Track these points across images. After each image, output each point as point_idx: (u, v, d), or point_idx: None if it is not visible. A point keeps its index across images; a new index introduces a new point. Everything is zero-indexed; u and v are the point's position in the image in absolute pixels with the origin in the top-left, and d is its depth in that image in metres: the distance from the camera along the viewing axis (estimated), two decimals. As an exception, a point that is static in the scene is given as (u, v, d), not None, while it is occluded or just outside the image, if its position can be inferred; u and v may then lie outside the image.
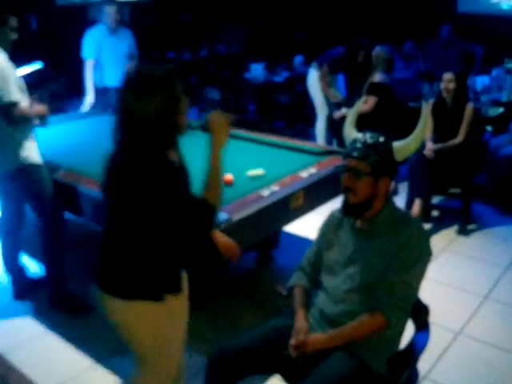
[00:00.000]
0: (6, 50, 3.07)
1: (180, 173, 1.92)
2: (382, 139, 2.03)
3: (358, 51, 5.59)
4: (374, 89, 5.06)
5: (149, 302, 1.94)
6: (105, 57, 5.09)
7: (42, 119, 3.22)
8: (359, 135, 2.08)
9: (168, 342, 2.06)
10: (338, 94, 5.91)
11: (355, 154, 2.00)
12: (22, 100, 3.03)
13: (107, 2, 5.07)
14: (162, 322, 2.00)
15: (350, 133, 2.26)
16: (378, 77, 5.10)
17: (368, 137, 2.03)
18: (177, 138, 1.94)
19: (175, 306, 2.04)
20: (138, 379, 2.11)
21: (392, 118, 5.01)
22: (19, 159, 3.08)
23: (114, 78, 5.13)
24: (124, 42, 5.22)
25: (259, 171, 3.14)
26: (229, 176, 2.90)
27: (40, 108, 3.16)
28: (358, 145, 2.01)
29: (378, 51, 5.19)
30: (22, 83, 3.14)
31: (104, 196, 1.99)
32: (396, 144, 2.08)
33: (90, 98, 5.12)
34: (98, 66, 5.13)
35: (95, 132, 4.21)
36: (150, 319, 1.97)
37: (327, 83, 5.83)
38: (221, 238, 2.31)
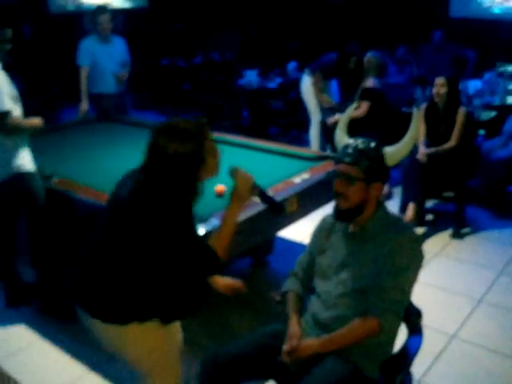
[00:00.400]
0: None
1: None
2: (373, 144, 2.04)
3: (350, 57, 5.63)
4: (366, 94, 5.09)
5: (144, 325, 1.95)
6: (98, 64, 5.12)
7: (35, 131, 3.22)
8: (350, 140, 2.09)
9: (166, 357, 2.10)
10: (331, 100, 5.93)
11: (347, 159, 2.00)
12: (14, 110, 3.04)
13: (100, 11, 5.09)
14: (157, 342, 2.03)
15: (342, 138, 2.27)
16: (370, 82, 5.13)
17: (359, 142, 2.04)
18: (193, 192, 1.94)
19: (170, 327, 2.06)
20: None
21: (384, 123, 5.04)
22: (12, 168, 3.09)
23: (107, 85, 5.17)
24: (117, 50, 5.25)
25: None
26: (221, 187, 2.88)
27: (34, 121, 3.16)
28: (350, 150, 2.02)
29: (369, 57, 5.23)
30: (16, 93, 3.14)
31: (107, 213, 1.99)
32: (387, 149, 2.09)
33: (84, 105, 5.14)
34: (92, 73, 5.15)
35: (89, 140, 4.22)
36: (146, 341, 1.99)
37: (320, 89, 5.86)
38: (220, 281, 2.35)
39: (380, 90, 5.15)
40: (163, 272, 1.91)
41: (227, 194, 2.78)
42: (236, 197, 2.02)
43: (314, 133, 6.11)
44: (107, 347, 2.06)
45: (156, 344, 2.03)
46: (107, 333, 1.98)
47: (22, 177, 3.13)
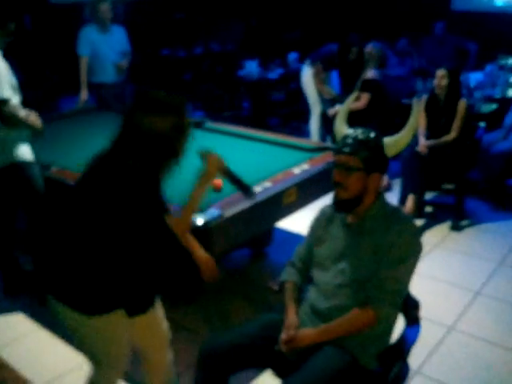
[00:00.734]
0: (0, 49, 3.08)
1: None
2: (372, 135, 2.03)
3: (351, 48, 5.60)
4: (366, 85, 5.07)
5: (108, 316, 1.94)
6: (98, 54, 5.10)
7: (36, 133, 3.20)
8: (350, 131, 2.09)
9: (119, 349, 2.06)
10: (332, 91, 5.91)
11: (346, 149, 2.00)
12: (13, 98, 3.03)
13: (100, 0, 5.05)
14: (115, 335, 2.02)
15: (341, 129, 2.27)
16: (370, 73, 5.11)
17: (359, 132, 2.03)
18: (171, 166, 1.91)
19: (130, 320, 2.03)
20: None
21: (383, 114, 5.02)
22: (8, 157, 3.08)
23: (107, 74, 5.15)
24: (117, 40, 5.22)
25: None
26: (218, 181, 2.83)
27: (33, 118, 3.10)
28: (349, 140, 2.01)
29: (370, 48, 5.20)
30: (15, 82, 3.13)
31: (75, 192, 1.96)
32: (387, 140, 2.09)
33: (83, 95, 5.12)
34: (91, 62, 5.13)
35: (88, 129, 4.21)
36: (105, 332, 1.98)
37: (321, 80, 5.83)
38: (201, 253, 2.26)
39: (380, 82, 5.13)
40: (127, 253, 1.89)
41: (224, 187, 2.80)
42: (205, 179, 2.04)
43: (315, 124, 6.09)
44: (68, 330, 2.06)
45: (114, 336, 2.01)
46: (71, 319, 1.97)
47: (19, 166, 3.12)
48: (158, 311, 2.20)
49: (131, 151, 1.83)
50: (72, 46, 5.19)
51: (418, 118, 2.21)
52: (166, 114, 1.83)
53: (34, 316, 3.31)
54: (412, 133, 2.20)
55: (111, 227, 1.84)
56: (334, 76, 6.31)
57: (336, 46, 5.82)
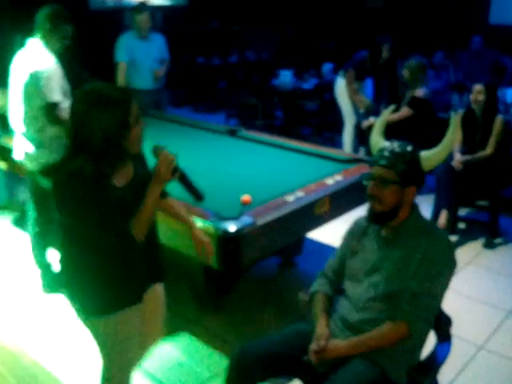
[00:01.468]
0: (55, 53, 3.19)
1: (111, 194, 1.86)
2: (409, 148, 2.03)
3: (382, 46, 5.59)
4: (415, 103, 5.03)
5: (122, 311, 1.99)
6: (136, 60, 5.16)
7: None
8: (387, 144, 2.09)
9: (121, 345, 2.09)
10: (366, 100, 5.89)
11: (382, 162, 2.00)
12: (63, 103, 3.12)
13: (137, 11, 5.11)
14: (110, 331, 2.04)
15: (378, 141, 2.26)
16: (420, 92, 5.06)
17: (396, 145, 2.03)
18: (120, 161, 1.88)
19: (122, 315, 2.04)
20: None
21: (424, 131, 4.99)
22: (54, 156, 3.18)
23: (144, 81, 5.20)
24: (155, 47, 5.28)
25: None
26: (247, 197, 2.80)
27: None
28: (386, 153, 2.01)
29: (414, 63, 5.14)
30: (67, 87, 3.23)
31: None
32: (424, 153, 2.08)
33: None
34: (129, 69, 5.19)
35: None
36: (101, 329, 2.03)
37: (355, 90, 5.82)
38: (199, 232, 2.26)
39: (429, 100, 5.09)
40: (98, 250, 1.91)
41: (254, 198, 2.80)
42: (156, 178, 1.89)
43: (348, 136, 6.08)
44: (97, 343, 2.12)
45: (110, 332, 2.03)
46: (94, 328, 2.05)
47: None
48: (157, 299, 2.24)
49: (81, 150, 1.80)
50: (111, 52, 5.28)
51: (455, 133, 2.19)
52: (104, 111, 1.76)
53: (67, 314, 3.37)
54: (450, 147, 2.18)
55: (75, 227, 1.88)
56: (369, 84, 6.29)
57: (367, 52, 5.80)
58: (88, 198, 1.78)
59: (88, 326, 2.04)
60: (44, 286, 3.61)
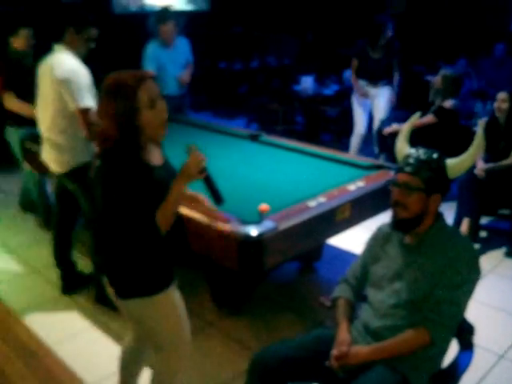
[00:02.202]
0: (81, 56, 3.22)
1: (149, 173, 1.93)
2: (435, 155, 2.02)
3: (382, 25, 5.64)
4: (441, 112, 5.02)
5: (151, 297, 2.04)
6: (163, 69, 5.18)
7: None
8: (412, 150, 2.09)
9: (179, 327, 2.16)
10: (366, 88, 5.95)
11: (408, 169, 2.00)
12: (94, 106, 3.17)
13: (161, 21, 5.10)
14: (167, 313, 2.11)
15: (403, 148, 2.26)
16: (450, 103, 5.03)
17: (421, 152, 2.03)
18: (143, 142, 1.95)
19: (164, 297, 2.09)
20: (155, 365, 2.25)
21: (448, 140, 4.96)
22: (84, 158, 3.23)
23: (169, 87, 5.22)
24: (181, 53, 5.31)
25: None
26: (265, 206, 2.74)
27: None
28: (411, 160, 2.01)
29: (449, 74, 5.12)
30: (95, 91, 3.27)
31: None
32: (449, 161, 2.07)
33: None
34: (158, 77, 5.21)
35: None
36: (148, 313, 2.08)
37: (355, 77, 5.96)
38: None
39: (456, 112, 5.07)
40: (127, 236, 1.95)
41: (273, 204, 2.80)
42: (184, 173, 1.95)
43: (354, 143, 6.24)
44: (136, 323, 2.19)
45: (158, 316, 2.09)
46: (135, 309, 2.08)
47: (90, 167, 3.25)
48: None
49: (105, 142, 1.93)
50: (134, 56, 5.32)
51: (482, 141, 2.18)
52: (114, 97, 1.88)
53: (87, 314, 3.41)
54: (475, 156, 2.16)
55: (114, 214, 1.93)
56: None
57: (366, 37, 5.92)
58: (133, 181, 1.87)
59: (136, 308, 2.07)
60: (64, 287, 3.65)
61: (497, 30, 8.13)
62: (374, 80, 5.96)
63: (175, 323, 2.15)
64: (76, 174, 3.25)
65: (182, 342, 2.19)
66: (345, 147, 6.38)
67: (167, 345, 2.16)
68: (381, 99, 5.97)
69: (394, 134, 4.60)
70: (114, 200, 1.88)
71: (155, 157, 2.02)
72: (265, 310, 3.46)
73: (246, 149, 3.97)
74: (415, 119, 2.42)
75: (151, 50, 5.19)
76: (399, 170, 2.04)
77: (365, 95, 5.98)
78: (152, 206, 1.91)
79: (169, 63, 5.19)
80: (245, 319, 3.38)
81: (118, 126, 1.87)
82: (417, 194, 1.98)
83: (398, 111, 6.13)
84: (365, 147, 6.30)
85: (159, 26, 5.08)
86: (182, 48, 5.34)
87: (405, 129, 2.34)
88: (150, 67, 5.14)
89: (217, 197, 2.11)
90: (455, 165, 2.07)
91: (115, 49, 8.24)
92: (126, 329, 3.19)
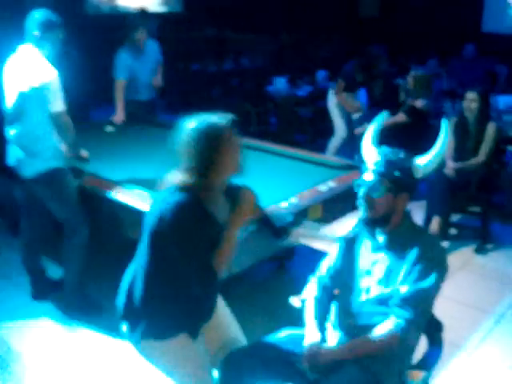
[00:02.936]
0: (49, 59, 3.17)
1: (205, 221, 1.93)
2: (402, 155, 2.05)
3: (376, 57, 5.65)
4: (412, 112, 5.07)
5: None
6: (134, 76, 5.15)
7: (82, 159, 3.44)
8: (379, 150, 2.10)
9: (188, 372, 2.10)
10: (358, 104, 5.95)
11: (375, 168, 2.02)
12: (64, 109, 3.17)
13: (135, 29, 5.07)
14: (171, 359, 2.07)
15: (369, 148, 2.25)
16: (421, 102, 5.09)
17: (388, 152, 2.05)
18: (213, 186, 1.97)
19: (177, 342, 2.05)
20: None
21: (418, 140, 5.03)
22: (53, 162, 3.20)
23: (141, 93, 5.20)
24: (152, 56, 5.27)
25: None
26: None
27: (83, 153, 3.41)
28: (378, 159, 2.03)
29: (420, 74, 5.18)
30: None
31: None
32: (416, 160, 2.09)
33: (119, 117, 5.17)
34: (128, 83, 5.19)
35: (118, 140, 4.29)
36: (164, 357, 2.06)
37: (343, 97, 5.88)
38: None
39: (427, 111, 5.13)
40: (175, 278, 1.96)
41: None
42: (240, 213, 1.98)
43: (333, 144, 6.19)
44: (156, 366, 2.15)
45: (172, 360, 2.07)
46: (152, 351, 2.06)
47: (58, 172, 3.22)
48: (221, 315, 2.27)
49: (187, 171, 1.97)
50: (105, 57, 5.26)
51: (448, 140, 2.20)
52: (202, 139, 1.92)
53: (59, 320, 3.37)
54: (442, 154, 2.18)
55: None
56: (362, 94, 6.33)
57: (355, 62, 5.86)
58: (197, 228, 1.88)
59: (153, 351, 2.05)
60: (34, 292, 3.60)
61: (467, 31, 8.27)
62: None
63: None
64: (45, 179, 3.21)
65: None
66: (320, 148, 6.41)
67: None
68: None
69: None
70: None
71: (222, 210, 2.02)
72: (237, 310, 3.45)
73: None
74: (381, 119, 2.44)
75: (123, 59, 5.15)
76: (366, 171, 2.05)
77: (359, 110, 5.98)
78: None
79: (140, 70, 5.16)
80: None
81: (203, 160, 1.93)
82: (384, 194, 2.00)
83: (374, 110, 6.20)
84: (345, 149, 6.33)
85: (133, 35, 5.03)
86: (152, 52, 5.29)
87: (371, 128, 2.36)
88: (121, 75, 5.11)
89: (277, 231, 2.08)
90: (422, 164, 2.09)
91: (88, 49, 8.16)
92: (98, 333, 3.21)
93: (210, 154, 1.90)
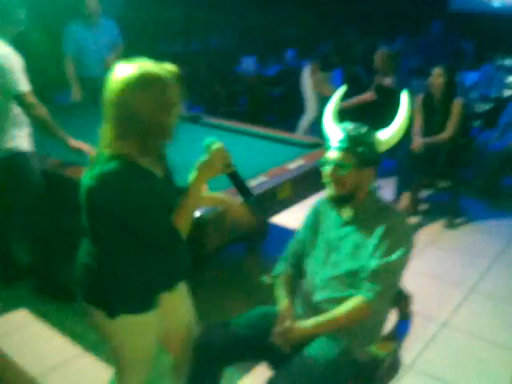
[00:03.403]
0: (10, 40, 3.08)
1: (150, 181, 1.78)
2: (364, 130, 2.03)
3: (349, 45, 5.63)
4: (380, 90, 5.07)
5: (129, 315, 1.89)
6: (85, 50, 5.03)
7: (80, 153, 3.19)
8: (341, 126, 2.09)
9: (135, 353, 2.02)
10: (333, 88, 5.92)
11: (338, 145, 2.01)
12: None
13: None
14: (125, 337, 1.96)
15: (331, 125, 2.21)
16: (388, 80, 5.10)
17: (350, 128, 2.03)
18: (159, 144, 1.84)
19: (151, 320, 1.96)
20: None
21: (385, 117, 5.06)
22: (10, 147, 3.11)
23: (94, 69, 5.06)
24: (105, 34, 5.14)
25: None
26: None
27: (84, 146, 3.15)
28: (341, 136, 2.02)
29: (385, 51, 5.17)
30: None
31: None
32: (379, 134, 2.09)
33: (76, 93, 5.05)
34: (79, 59, 5.06)
35: (79, 120, 4.20)
36: (129, 332, 1.94)
37: (319, 80, 5.84)
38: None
39: (395, 89, 5.13)
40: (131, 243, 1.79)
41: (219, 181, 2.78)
42: (205, 167, 1.83)
43: (304, 124, 6.17)
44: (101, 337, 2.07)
45: (124, 339, 1.96)
46: (102, 323, 1.94)
47: (17, 157, 3.14)
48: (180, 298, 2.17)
49: (125, 133, 1.73)
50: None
51: (409, 111, 2.19)
52: (150, 88, 1.71)
53: (29, 306, 3.32)
54: (404, 126, 2.15)
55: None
56: (337, 75, 6.32)
57: (333, 44, 5.83)
58: (141, 191, 1.70)
59: (108, 327, 1.92)
60: (2, 278, 3.54)
61: (434, 10, 8.31)
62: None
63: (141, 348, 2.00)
64: (7, 162, 3.13)
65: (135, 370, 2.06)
66: (290, 127, 6.40)
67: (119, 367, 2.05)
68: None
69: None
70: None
71: (161, 166, 1.89)
72: (211, 291, 3.46)
73: (185, 131, 3.91)
74: (340, 94, 2.41)
75: (71, 30, 5.03)
76: (329, 148, 2.04)
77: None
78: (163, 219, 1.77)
79: (91, 44, 5.03)
80: (192, 301, 3.35)
81: (146, 118, 1.71)
82: (349, 170, 1.99)
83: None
84: (316, 128, 6.33)
85: (84, 1, 4.90)
86: (107, 29, 5.17)
87: (331, 105, 2.33)
88: (68, 49, 4.99)
89: (246, 193, 1.96)
90: (384, 137, 2.08)
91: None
92: (66, 319, 3.16)
93: (147, 110, 1.69)
